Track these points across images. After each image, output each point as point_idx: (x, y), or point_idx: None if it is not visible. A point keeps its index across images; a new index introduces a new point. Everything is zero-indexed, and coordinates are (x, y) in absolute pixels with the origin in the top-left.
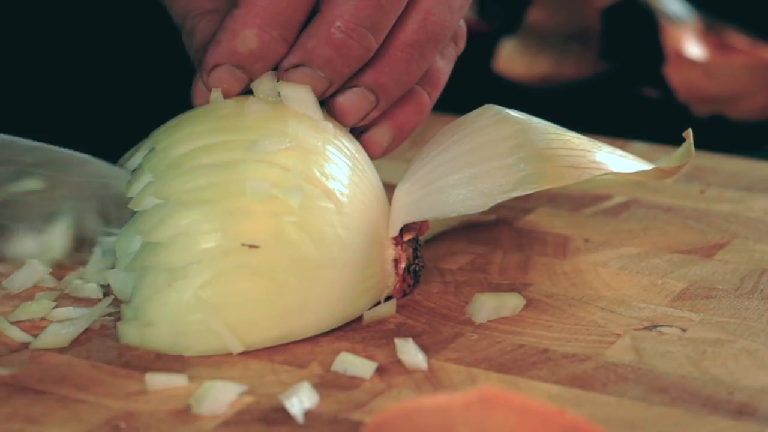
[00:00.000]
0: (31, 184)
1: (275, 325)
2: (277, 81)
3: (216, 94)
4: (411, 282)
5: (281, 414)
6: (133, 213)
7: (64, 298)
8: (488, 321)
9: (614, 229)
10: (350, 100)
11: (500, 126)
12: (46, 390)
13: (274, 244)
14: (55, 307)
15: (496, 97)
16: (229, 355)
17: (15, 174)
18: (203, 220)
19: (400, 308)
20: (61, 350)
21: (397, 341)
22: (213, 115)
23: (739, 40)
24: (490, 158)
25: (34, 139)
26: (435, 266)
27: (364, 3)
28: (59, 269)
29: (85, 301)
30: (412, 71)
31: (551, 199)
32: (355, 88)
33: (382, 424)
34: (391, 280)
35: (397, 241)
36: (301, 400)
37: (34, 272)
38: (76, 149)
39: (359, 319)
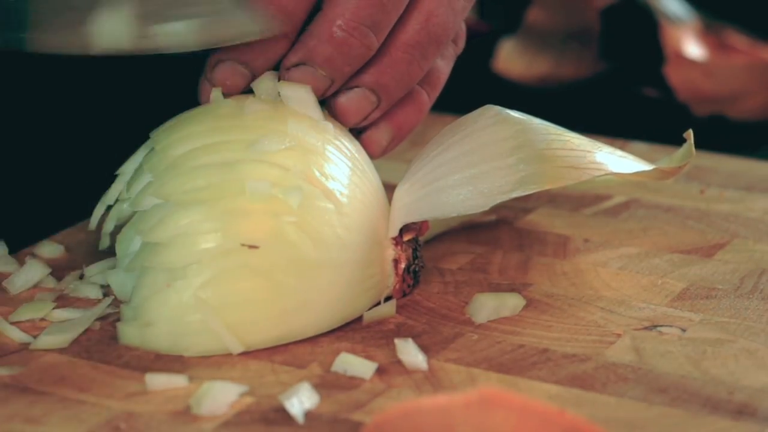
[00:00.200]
0: None
1: (275, 325)
2: (278, 80)
3: (216, 93)
4: (411, 282)
5: (281, 414)
6: None
7: (63, 299)
8: (488, 321)
9: (614, 229)
10: (351, 101)
11: (500, 126)
12: (46, 390)
13: (273, 244)
14: (55, 308)
15: (496, 97)
16: (229, 355)
17: None
18: (203, 220)
19: (400, 308)
20: (61, 350)
21: (397, 341)
22: (212, 115)
23: (738, 40)
24: (491, 158)
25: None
26: (435, 266)
27: (365, 2)
28: (59, 269)
29: (85, 301)
30: (414, 72)
31: (551, 199)
32: (356, 89)
33: (382, 425)
34: (390, 281)
35: (397, 241)
36: (301, 401)
37: (34, 272)
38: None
39: (359, 319)
